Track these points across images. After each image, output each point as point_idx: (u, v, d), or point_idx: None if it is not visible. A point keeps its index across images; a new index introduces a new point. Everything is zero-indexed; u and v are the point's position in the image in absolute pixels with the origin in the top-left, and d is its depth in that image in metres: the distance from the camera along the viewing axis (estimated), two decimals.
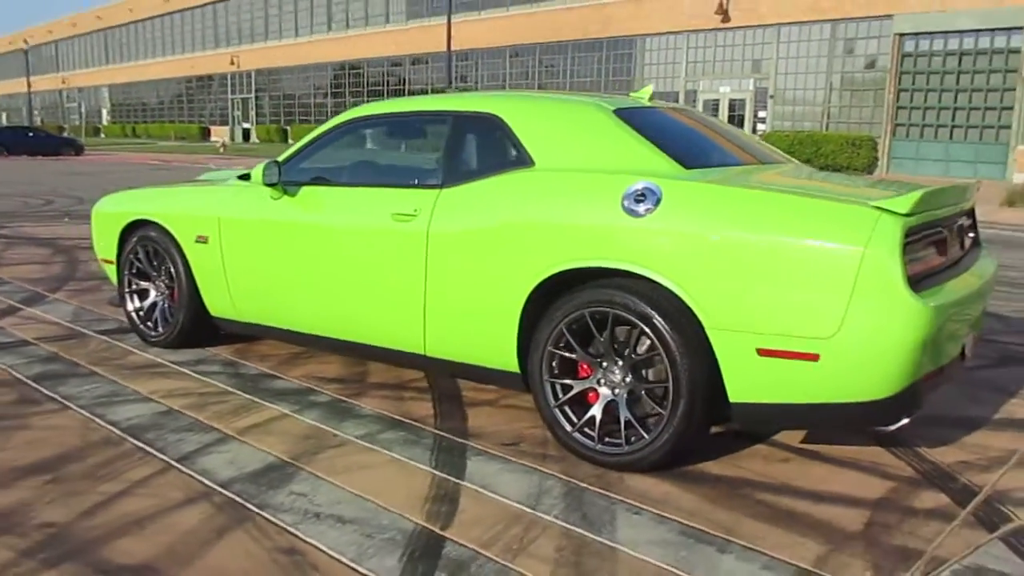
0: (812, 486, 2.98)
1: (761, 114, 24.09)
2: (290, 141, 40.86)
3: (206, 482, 2.93)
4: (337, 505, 2.76)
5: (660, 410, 2.91)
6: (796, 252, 2.63)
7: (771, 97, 23.84)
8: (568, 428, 3.10)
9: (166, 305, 4.56)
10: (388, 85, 36.30)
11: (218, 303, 4.27)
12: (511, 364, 3.28)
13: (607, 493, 2.87)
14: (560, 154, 3.19)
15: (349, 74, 38.27)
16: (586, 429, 3.08)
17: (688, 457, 3.09)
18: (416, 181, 3.59)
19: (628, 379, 3.03)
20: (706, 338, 2.81)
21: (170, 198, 4.42)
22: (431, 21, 33.44)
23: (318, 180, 3.88)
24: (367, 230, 3.54)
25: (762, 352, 2.71)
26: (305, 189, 3.84)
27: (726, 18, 24.33)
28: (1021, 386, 4.20)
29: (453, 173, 3.43)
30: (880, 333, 2.55)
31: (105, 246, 4.80)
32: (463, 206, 3.30)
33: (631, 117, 3.29)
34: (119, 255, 4.71)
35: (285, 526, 2.61)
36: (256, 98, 44.39)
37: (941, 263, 2.92)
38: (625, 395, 3.03)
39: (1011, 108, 19.86)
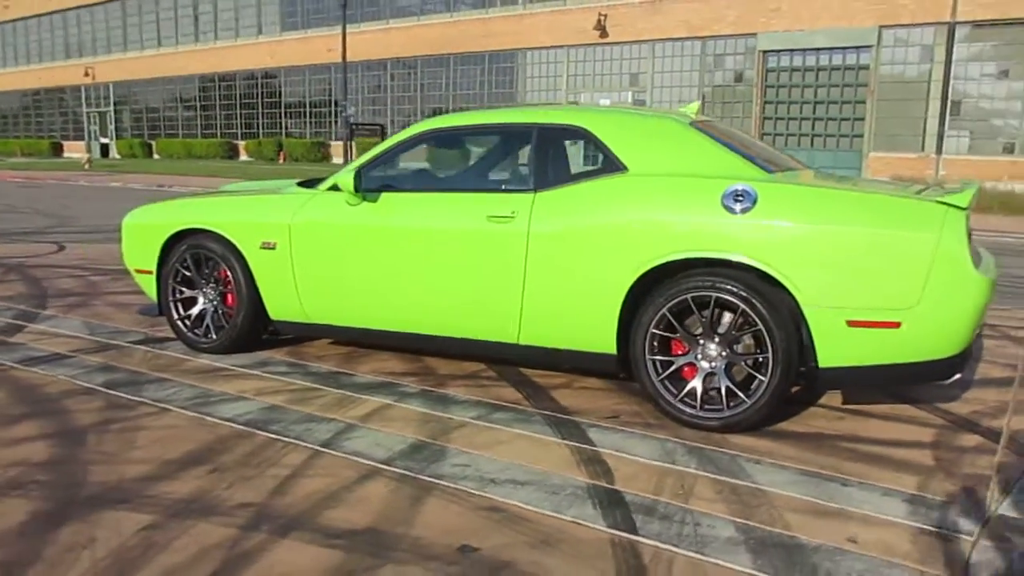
0: (876, 435, 3.56)
1: None
2: (155, 156, 39.25)
3: (367, 462, 3.20)
4: (505, 471, 3.10)
5: (760, 376, 3.42)
6: (881, 239, 3.20)
7: None
8: (671, 399, 3.56)
9: (220, 311, 4.68)
10: (263, 97, 35.55)
11: (282, 306, 4.45)
12: (610, 346, 3.71)
13: (722, 450, 3.35)
14: (652, 161, 3.66)
15: (219, 86, 37.18)
16: (686, 399, 3.55)
17: (767, 419, 3.62)
18: (505, 186, 3.96)
19: (725, 353, 3.52)
20: (800, 314, 3.33)
21: (227, 208, 4.56)
22: (308, 32, 33.09)
23: (396, 187, 4.17)
24: (463, 231, 3.87)
25: (851, 323, 3.26)
26: (387, 195, 4.12)
27: (604, 34, 25.49)
28: (981, 353, 5.00)
29: (545, 178, 3.82)
30: (952, 302, 3.16)
31: (142, 257, 4.85)
32: (562, 208, 3.70)
33: (703, 129, 3.80)
34: (160, 265, 4.78)
35: (472, 491, 2.93)
36: (115, 111, 42.30)
37: (974, 249, 3.58)
38: (723, 366, 3.52)
39: (863, 119, 21.92)
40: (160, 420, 3.67)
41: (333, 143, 32.54)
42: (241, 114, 36.45)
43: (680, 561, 2.46)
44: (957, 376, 3.38)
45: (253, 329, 4.60)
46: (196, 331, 4.74)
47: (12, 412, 3.77)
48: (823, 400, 4.05)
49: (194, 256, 4.66)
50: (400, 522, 2.71)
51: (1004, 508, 2.85)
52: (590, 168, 3.86)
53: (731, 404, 3.47)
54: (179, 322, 4.77)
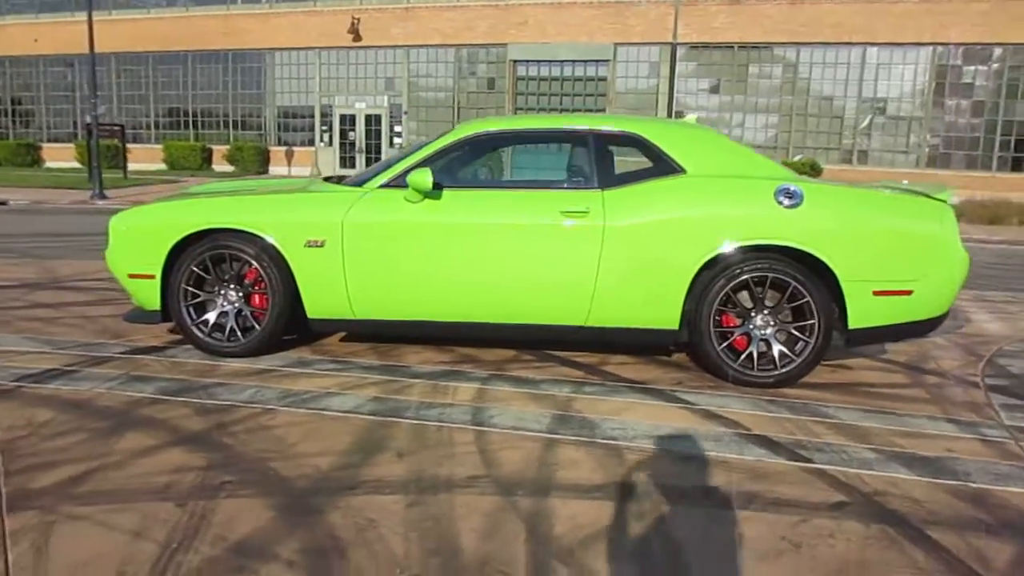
0: (873, 381, 4.51)
1: (397, 128, 25.87)
2: None
3: (534, 434, 3.52)
4: (660, 430, 3.59)
5: (805, 339, 4.22)
6: (900, 228, 4.14)
7: (406, 113, 25.74)
8: (732, 363, 4.25)
9: (248, 312, 4.58)
10: None
11: (326, 304, 4.49)
12: (673, 323, 4.31)
13: (791, 400, 4.09)
14: (705, 164, 4.31)
15: None
16: (745, 362, 4.26)
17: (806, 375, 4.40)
18: (568, 184, 4.39)
19: (774, 322, 4.28)
20: (838, 288, 4.18)
21: (262, 207, 4.48)
22: (6, 19, 29.39)
23: (453, 184, 4.42)
24: (540, 226, 4.25)
25: (876, 293, 4.16)
26: (452, 192, 4.36)
27: (357, 37, 25.62)
28: None
29: (608, 178, 4.32)
30: (948, 274, 4.17)
31: (142, 260, 4.58)
32: (633, 204, 4.23)
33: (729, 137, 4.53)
34: (167, 268, 4.57)
35: (653, 447, 3.40)
36: None
37: None
38: (774, 333, 4.28)
39: None
40: (278, 419, 3.66)
41: (45, 145, 29.28)
42: None
43: (864, 476, 3.16)
44: (934, 329, 4.44)
45: (284, 329, 4.57)
46: (215, 335, 4.59)
47: (97, 425, 3.53)
48: None
49: (215, 257, 4.52)
50: (635, 473, 3.12)
51: (1008, 421, 3.89)
52: (646, 170, 4.41)
53: (782, 364, 4.24)
54: (195, 327, 4.58)
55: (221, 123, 27.73)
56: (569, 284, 4.30)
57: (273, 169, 26.97)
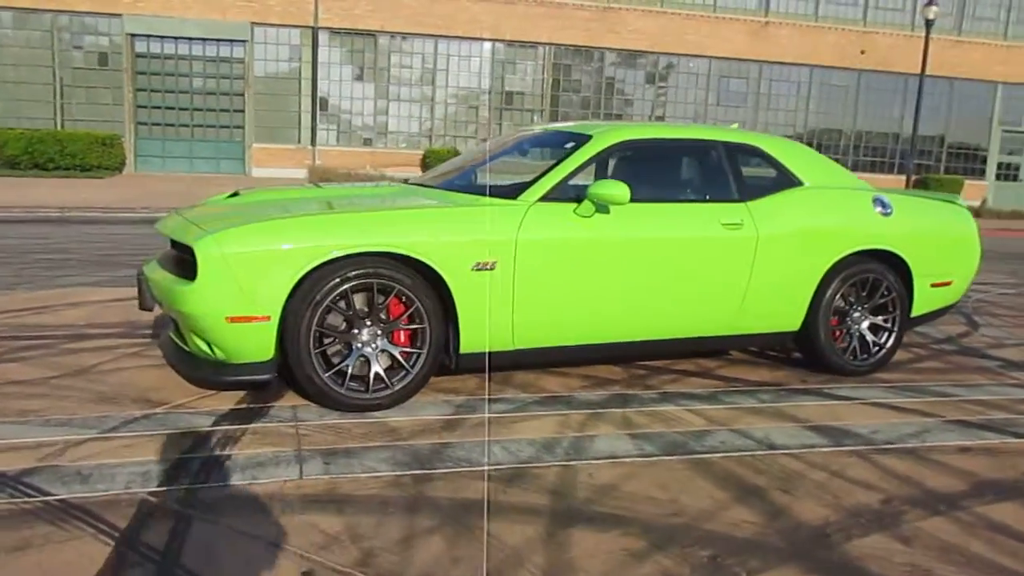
0: (905, 360, 5.34)
1: None
2: None
3: (828, 449, 3.64)
4: (897, 429, 3.95)
5: (889, 328, 4.86)
6: (950, 230, 4.99)
7: None
8: (841, 355, 4.73)
9: (395, 353, 3.79)
10: None
11: (486, 335, 3.93)
12: (796, 325, 4.64)
13: (898, 384, 4.72)
14: (815, 176, 4.69)
15: None
16: (850, 354, 4.76)
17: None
18: (710, 196, 4.41)
19: (866, 318, 4.83)
20: (911, 283, 4.87)
21: (423, 223, 3.73)
22: None
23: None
24: (707, 239, 4.24)
25: (933, 285, 4.97)
26: (615, 206, 4.09)
27: None
28: None
29: (744, 190, 4.47)
30: (972, 265, 5.14)
31: (255, 298, 3.52)
32: (773, 214, 4.45)
33: None
34: (288, 305, 3.59)
35: (921, 443, 3.76)
36: None
37: None
38: (867, 327, 4.83)
39: (242, 111, 22.69)
40: (600, 475, 3.23)
41: None
42: None
43: None
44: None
45: (433, 370, 3.90)
46: (350, 384, 3.73)
47: (452, 529, 2.76)
48: None
49: (357, 288, 3.67)
50: (969, 471, 3.43)
51: None
52: (767, 181, 4.61)
53: (874, 352, 4.83)
54: (327, 379, 3.67)
55: None
56: (726, 294, 4.39)
57: None
